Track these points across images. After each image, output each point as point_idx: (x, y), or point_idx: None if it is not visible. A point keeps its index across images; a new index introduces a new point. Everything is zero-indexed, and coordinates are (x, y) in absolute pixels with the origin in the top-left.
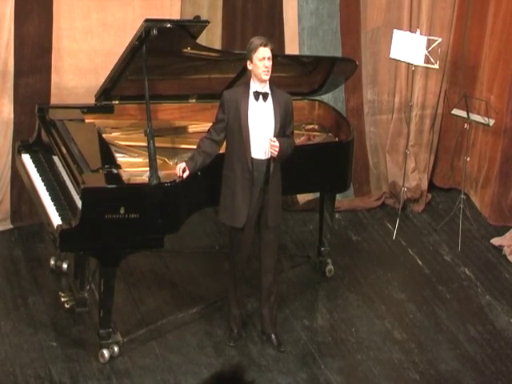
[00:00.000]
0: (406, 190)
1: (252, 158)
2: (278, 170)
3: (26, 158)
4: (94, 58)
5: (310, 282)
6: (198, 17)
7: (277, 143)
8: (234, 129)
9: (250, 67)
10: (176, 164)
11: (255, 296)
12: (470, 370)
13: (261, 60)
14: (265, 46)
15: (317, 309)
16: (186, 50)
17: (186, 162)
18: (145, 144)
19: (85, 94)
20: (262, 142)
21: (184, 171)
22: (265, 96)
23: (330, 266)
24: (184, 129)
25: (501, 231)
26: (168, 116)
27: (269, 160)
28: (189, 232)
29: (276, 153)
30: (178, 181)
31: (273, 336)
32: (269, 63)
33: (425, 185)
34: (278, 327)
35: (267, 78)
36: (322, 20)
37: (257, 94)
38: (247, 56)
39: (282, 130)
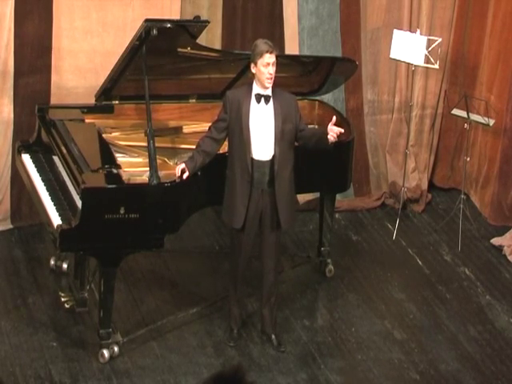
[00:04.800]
0: (405, 189)
1: (252, 159)
2: (286, 172)
3: (26, 158)
4: (93, 57)
5: (310, 282)
6: (198, 17)
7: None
8: (234, 129)
9: (253, 70)
10: (176, 164)
11: (255, 296)
12: (470, 370)
13: (265, 66)
14: (271, 53)
15: (317, 309)
16: (186, 50)
17: (185, 162)
18: (145, 144)
19: (85, 94)
20: (263, 143)
21: (183, 172)
22: (266, 99)
23: (330, 266)
24: (184, 129)
25: (501, 231)
26: (168, 116)
27: (271, 162)
28: (189, 232)
29: (335, 139)
30: (177, 181)
31: (273, 336)
32: (273, 69)
33: (425, 185)
34: (278, 327)
35: (270, 84)
36: (322, 20)
37: (258, 97)
38: (251, 59)
39: (288, 133)
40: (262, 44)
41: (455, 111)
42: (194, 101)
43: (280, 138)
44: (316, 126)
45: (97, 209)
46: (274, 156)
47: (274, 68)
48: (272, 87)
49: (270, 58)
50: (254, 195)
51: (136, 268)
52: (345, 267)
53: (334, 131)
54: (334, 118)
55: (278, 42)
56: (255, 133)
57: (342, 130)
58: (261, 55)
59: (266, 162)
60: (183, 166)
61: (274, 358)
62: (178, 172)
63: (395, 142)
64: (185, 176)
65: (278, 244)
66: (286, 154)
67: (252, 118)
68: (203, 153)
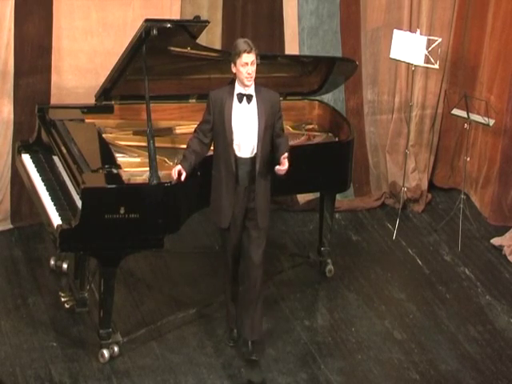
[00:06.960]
0: (406, 189)
1: (236, 157)
2: (265, 171)
3: (26, 158)
4: (93, 58)
5: (310, 282)
6: (198, 17)
7: (286, 166)
8: (219, 129)
9: (233, 70)
10: (176, 164)
11: None
12: (470, 370)
13: (243, 66)
14: (248, 52)
15: (317, 309)
16: (185, 50)
17: (180, 163)
18: (145, 144)
19: (85, 94)
20: (247, 141)
21: (180, 173)
22: (249, 98)
23: (329, 266)
24: (184, 129)
25: (501, 231)
26: (168, 116)
27: (253, 158)
28: (189, 232)
29: (281, 172)
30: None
31: (249, 343)
32: (252, 68)
33: (425, 185)
34: (277, 328)
35: (250, 83)
36: (322, 20)
37: (240, 96)
38: (231, 59)
39: (270, 130)
40: (240, 43)
41: (455, 111)
42: (193, 101)
43: (263, 135)
44: (315, 126)
45: (97, 209)
46: (256, 154)
47: (254, 67)
48: (255, 85)
49: (247, 58)
50: (239, 192)
51: (136, 268)
52: (345, 267)
53: (281, 169)
54: (286, 154)
55: (278, 43)
56: (238, 132)
57: (286, 167)
58: (239, 55)
59: (249, 159)
60: (179, 167)
61: (274, 358)
62: (174, 174)
63: (395, 142)
64: (183, 177)
65: (263, 240)
66: (267, 151)
67: (235, 117)
68: (194, 152)
